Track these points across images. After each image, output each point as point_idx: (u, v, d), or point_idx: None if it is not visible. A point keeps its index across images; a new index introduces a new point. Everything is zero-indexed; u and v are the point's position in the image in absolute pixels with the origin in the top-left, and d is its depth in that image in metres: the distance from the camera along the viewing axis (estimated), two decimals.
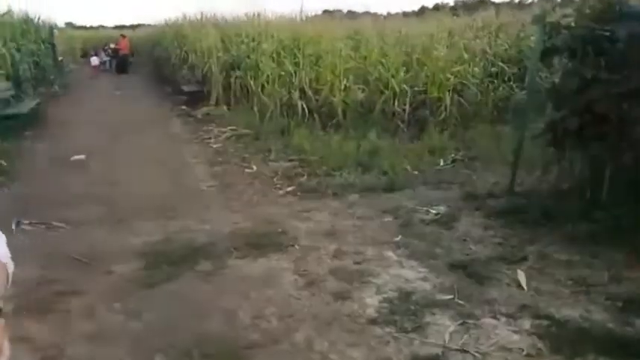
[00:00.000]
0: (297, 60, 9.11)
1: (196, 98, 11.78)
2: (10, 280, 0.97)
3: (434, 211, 4.76)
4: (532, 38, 8.40)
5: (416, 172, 6.17)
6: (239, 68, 10.74)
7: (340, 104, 8.32)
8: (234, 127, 8.76)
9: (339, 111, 8.30)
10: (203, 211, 5.00)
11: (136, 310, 3.13)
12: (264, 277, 3.53)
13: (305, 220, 4.56)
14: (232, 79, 10.93)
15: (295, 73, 8.93)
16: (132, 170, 6.56)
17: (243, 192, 5.62)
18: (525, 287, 3.41)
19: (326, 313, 3.07)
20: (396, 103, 8.42)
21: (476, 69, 9.02)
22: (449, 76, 8.68)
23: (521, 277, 3.53)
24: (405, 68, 8.68)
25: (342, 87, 8.50)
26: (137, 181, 6.07)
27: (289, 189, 5.62)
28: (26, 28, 14.66)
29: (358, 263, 3.71)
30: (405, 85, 8.44)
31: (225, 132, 8.69)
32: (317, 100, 8.72)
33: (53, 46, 19.28)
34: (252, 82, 9.80)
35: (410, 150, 6.98)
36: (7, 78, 11.27)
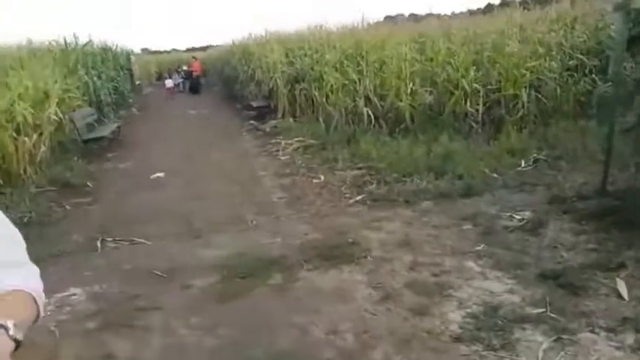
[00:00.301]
0: (360, 68, 9.01)
1: (264, 112, 12.04)
2: (41, 311, 0.93)
3: (518, 217, 4.43)
4: (612, 27, 7.75)
5: (495, 175, 5.81)
6: (303, 80, 10.85)
7: (407, 108, 8.10)
8: (300, 139, 8.79)
9: (407, 115, 8.07)
10: (274, 223, 5.00)
11: (211, 326, 3.13)
12: (336, 291, 3.41)
13: (377, 229, 4.40)
14: (297, 92, 11.07)
15: (359, 80, 8.83)
16: (206, 185, 6.74)
17: (313, 202, 5.56)
18: (626, 297, 3.05)
19: (404, 330, 2.89)
20: (468, 104, 8.05)
21: (553, 63, 8.44)
22: (524, 72, 8.18)
23: (621, 285, 3.16)
24: (475, 67, 8.30)
25: (409, 91, 8.27)
26: (211, 195, 6.21)
27: (358, 198, 5.50)
28: (105, 56, 15.74)
29: (437, 275, 3.50)
30: (476, 85, 8.06)
31: (292, 144, 8.74)
32: (382, 106, 8.56)
33: (130, 71, 20.64)
34: (316, 93, 9.84)
35: (486, 152, 6.61)
36: (90, 104, 12.16)
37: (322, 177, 6.47)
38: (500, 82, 8.32)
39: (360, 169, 6.62)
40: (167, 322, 3.21)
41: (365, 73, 8.73)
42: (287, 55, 11.97)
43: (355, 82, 8.80)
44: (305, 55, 11.35)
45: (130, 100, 17.98)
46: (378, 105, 8.49)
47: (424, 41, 9.74)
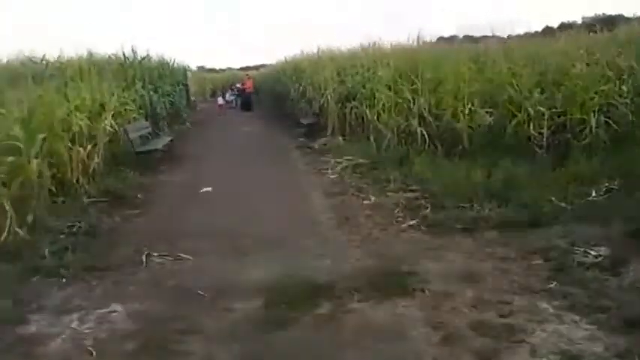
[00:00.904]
0: (415, 86, 8.70)
1: (314, 130, 11.94)
2: None
3: (593, 252, 3.96)
4: None
5: (563, 205, 5.32)
6: (354, 99, 10.67)
7: (465, 129, 7.69)
8: (350, 157, 8.56)
9: (464, 137, 7.66)
10: (323, 245, 4.75)
11: (254, 356, 2.89)
12: (390, 327, 3.10)
13: (435, 259, 4.05)
14: (348, 110, 10.88)
15: (413, 99, 8.51)
16: (254, 201, 6.60)
17: (363, 225, 5.28)
18: None
19: None
20: (531, 127, 7.55)
21: (624, 87, 7.83)
22: (592, 95, 7.62)
23: None
24: (539, 89, 7.80)
25: (467, 111, 7.87)
26: (259, 212, 6.05)
27: (412, 222, 5.16)
28: (163, 71, 16.17)
29: (504, 316, 3.12)
30: (540, 107, 7.56)
31: (341, 162, 8.52)
32: (438, 127, 8.19)
33: (186, 87, 21.21)
34: (367, 112, 9.60)
35: (553, 178, 6.11)
36: (146, 117, 12.45)
37: (373, 198, 6.18)
38: (565, 105, 7.78)
39: (413, 191, 6.29)
40: (207, 349, 3.00)
41: (420, 92, 8.42)
42: (338, 73, 11.86)
43: (409, 101, 8.50)
44: (357, 73, 11.19)
45: (185, 115, 18.36)
46: (433, 125, 8.13)
47: (484, 61, 9.35)
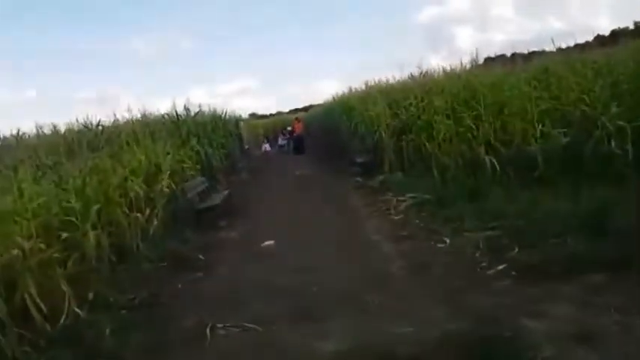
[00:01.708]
0: (476, 112, 8.14)
1: (370, 168, 11.53)
2: None
3: None
4: None
5: None
6: (410, 131, 10.22)
7: (539, 153, 6.99)
8: (413, 195, 8.04)
9: (539, 161, 6.96)
10: (398, 302, 4.23)
11: None
12: None
13: (538, 316, 3.42)
14: (404, 143, 10.43)
15: (477, 126, 7.94)
16: (317, 254, 6.19)
17: (441, 274, 4.72)
18: None
19: None
20: (612, 143, 6.75)
21: None
22: None
23: None
24: (615, 102, 7.02)
25: (538, 133, 7.19)
26: (324, 266, 5.62)
27: (500, 267, 4.54)
28: (216, 124, 16.44)
29: None
30: (619, 121, 6.76)
31: (404, 200, 8.02)
32: (508, 153, 7.53)
33: (240, 136, 21.58)
34: (426, 144, 9.11)
35: None
36: (203, 171, 12.54)
37: (447, 240, 5.61)
38: None
39: (492, 229, 5.65)
40: None
41: (483, 118, 7.84)
42: (390, 107, 11.50)
43: (471, 128, 7.93)
44: (410, 104, 10.77)
45: (240, 165, 18.56)
46: (502, 151, 7.49)
47: (547, 78, 8.67)
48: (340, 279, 5.12)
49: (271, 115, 48.86)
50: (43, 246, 4.73)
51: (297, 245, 6.78)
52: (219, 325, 4.42)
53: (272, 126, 35.56)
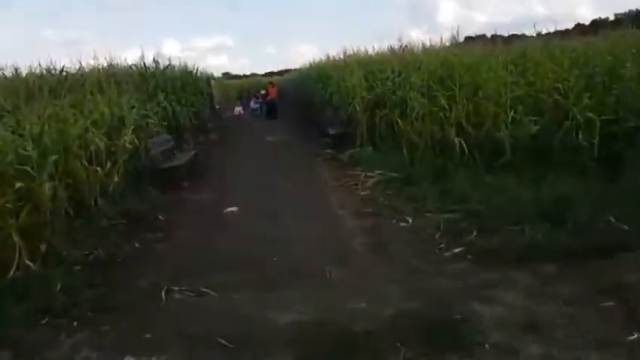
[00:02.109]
0: (451, 92, 8.12)
1: (341, 140, 11.44)
2: None
3: None
4: None
5: (626, 227, 4.69)
6: (385, 106, 10.13)
7: (508, 139, 7.07)
8: (381, 171, 8.05)
9: (507, 147, 7.04)
10: (357, 279, 4.27)
11: None
12: None
13: (489, 301, 3.51)
14: (378, 118, 10.35)
15: (450, 107, 7.93)
16: (280, 223, 6.17)
17: (401, 253, 4.77)
18: None
19: None
20: (580, 136, 6.88)
21: None
22: None
23: None
24: (589, 94, 7.12)
25: (509, 119, 7.24)
26: (286, 237, 5.61)
27: (457, 250, 4.62)
28: (186, 80, 15.88)
29: None
30: (590, 114, 6.88)
31: (372, 177, 8.02)
32: (477, 137, 7.58)
33: (210, 95, 20.98)
34: (399, 120, 9.07)
35: (609, 195, 5.46)
36: (169, 129, 12.17)
37: (410, 220, 5.67)
38: (618, 111, 7.08)
39: (454, 211, 5.73)
40: None
41: (457, 99, 7.83)
42: (367, 79, 11.35)
43: (445, 109, 7.92)
44: (387, 78, 10.65)
45: (210, 125, 18.13)
46: (472, 135, 7.54)
47: (524, 62, 8.70)
48: (301, 251, 5.12)
49: (245, 76, 47.80)
50: None
51: (260, 214, 6.73)
52: (175, 289, 4.37)
53: (246, 88, 34.80)
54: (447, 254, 4.57)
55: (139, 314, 3.91)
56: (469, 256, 4.46)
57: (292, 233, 5.71)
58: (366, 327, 3.28)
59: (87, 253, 5.32)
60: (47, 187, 5.36)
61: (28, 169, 4.98)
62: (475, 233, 4.95)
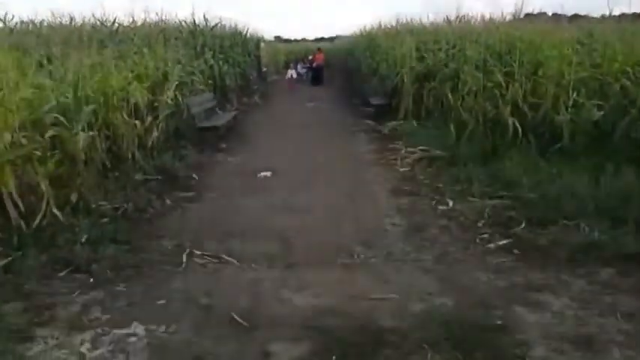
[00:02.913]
0: (509, 69, 7.49)
1: (384, 112, 10.97)
2: None
3: None
4: None
5: None
6: (434, 79, 9.57)
7: (567, 124, 6.45)
8: (424, 147, 7.60)
9: (565, 132, 6.43)
10: (386, 264, 3.95)
11: None
12: None
13: (535, 306, 3.12)
14: (425, 91, 9.81)
15: (506, 84, 7.32)
16: (312, 194, 5.90)
17: (437, 239, 4.40)
18: None
19: None
20: None
21: None
22: None
23: None
24: None
25: (570, 102, 6.60)
26: (316, 209, 5.34)
27: (501, 243, 4.21)
28: (234, 40, 15.68)
29: None
30: None
31: (414, 152, 7.58)
32: (533, 118, 6.97)
33: (258, 58, 20.69)
34: (449, 95, 8.52)
35: None
36: (215, 88, 12.04)
37: (450, 203, 5.25)
38: None
39: (501, 197, 5.27)
40: None
41: (515, 76, 7.20)
42: (418, 49, 10.75)
43: (501, 86, 7.32)
44: (440, 49, 10.02)
45: (255, 87, 17.96)
46: (529, 116, 6.94)
47: (591, 43, 7.91)
48: (329, 226, 4.84)
49: (295, 40, 47.13)
50: (24, 141, 4.42)
51: (293, 182, 6.47)
52: (197, 252, 4.22)
53: (295, 53, 34.25)
54: (490, 246, 4.16)
55: (157, 277, 3.77)
56: (515, 251, 4.04)
57: (322, 205, 5.43)
58: (391, 322, 2.98)
59: (117, 206, 5.25)
60: (82, 137, 5.30)
61: (61, 118, 4.86)
62: (524, 225, 4.50)
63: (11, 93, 4.43)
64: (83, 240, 4.30)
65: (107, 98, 6.36)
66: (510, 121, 6.93)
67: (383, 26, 15.31)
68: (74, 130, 5.23)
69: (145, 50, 8.68)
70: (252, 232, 4.74)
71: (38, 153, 4.41)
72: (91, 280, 3.68)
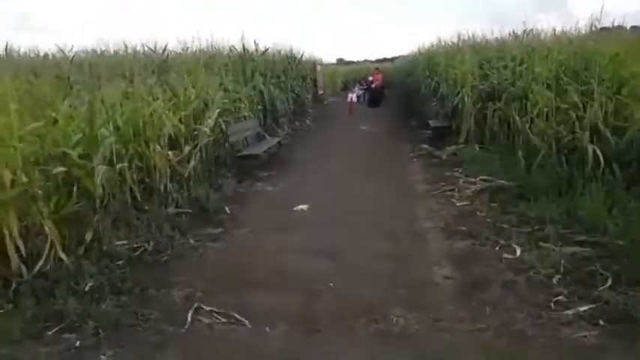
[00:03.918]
0: (586, 87, 6.42)
1: (443, 134, 10.07)
2: None
3: None
4: None
5: None
6: (499, 99, 8.60)
7: None
8: (487, 177, 6.66)
9: None
10: (432, 334, 3.13)
11: None
12: None
13: None
14: (489, 112, 8.84)
15: (584, 104, 6.25)
16: (350, 234, 5.16)
17: (499, 301, 3.50)
18: None
19: None
20: None
21: None
22: None
23: None
24: None
25: None
26: (352, 254, 4.59)
27: (583, 309, 3.25)
28: (288, 64, 15.45)
29: None
30: None
31: (474, 183, 6.67)
32: (618, 145, 5.85)
33: (314, 80, 20.40)
34: (516, 117, 7.53)
35: None
36: (265, 113, 11.71)
37: (518, 250, 4.32)
38: None
39: (581, 244, 4.28)
40: None
41: (594, 96, 6.14)
42: (481, 66, 9.81)
43: (577, 107, 6.27)
44: (505, 66, 9.04)
45: (310, 111, 17.63)
46: (612, 142, 5.83)
47: None
48: (366, 278, 4.07)
49: (358, 62, 46.88)
50: (25, 178, 4.04)
51: (331, 217, 5.78)
52: (206, 308, 3.62)
53: (354, 74, 33.91)
54: (568, 312, 3.22)
55: (151, 341, 3.20)
56: (600, 322, 3.08)
57: (360, 249, 4.68)
58: None
59: (136, 245, 4.81)
60: (100, 170, 4.93)
61: (69, 151, 4.50)
62: (610, 282, 3.52)
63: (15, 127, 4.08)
64: (87, 289, 3.85)
65: (138, 129, 6.06)
66: (590, 148, 5.83)
67: (443, 43, 14.43)
68: (92, 164, 4.86)
69: (186, 77, 8.42)
70: (275, 280, 4.09)
71: (39, 191, 4.02)
72: (78, 343, 3.16)
